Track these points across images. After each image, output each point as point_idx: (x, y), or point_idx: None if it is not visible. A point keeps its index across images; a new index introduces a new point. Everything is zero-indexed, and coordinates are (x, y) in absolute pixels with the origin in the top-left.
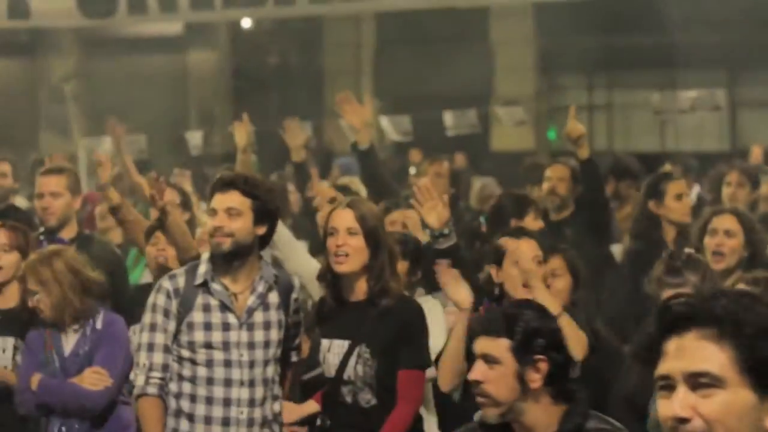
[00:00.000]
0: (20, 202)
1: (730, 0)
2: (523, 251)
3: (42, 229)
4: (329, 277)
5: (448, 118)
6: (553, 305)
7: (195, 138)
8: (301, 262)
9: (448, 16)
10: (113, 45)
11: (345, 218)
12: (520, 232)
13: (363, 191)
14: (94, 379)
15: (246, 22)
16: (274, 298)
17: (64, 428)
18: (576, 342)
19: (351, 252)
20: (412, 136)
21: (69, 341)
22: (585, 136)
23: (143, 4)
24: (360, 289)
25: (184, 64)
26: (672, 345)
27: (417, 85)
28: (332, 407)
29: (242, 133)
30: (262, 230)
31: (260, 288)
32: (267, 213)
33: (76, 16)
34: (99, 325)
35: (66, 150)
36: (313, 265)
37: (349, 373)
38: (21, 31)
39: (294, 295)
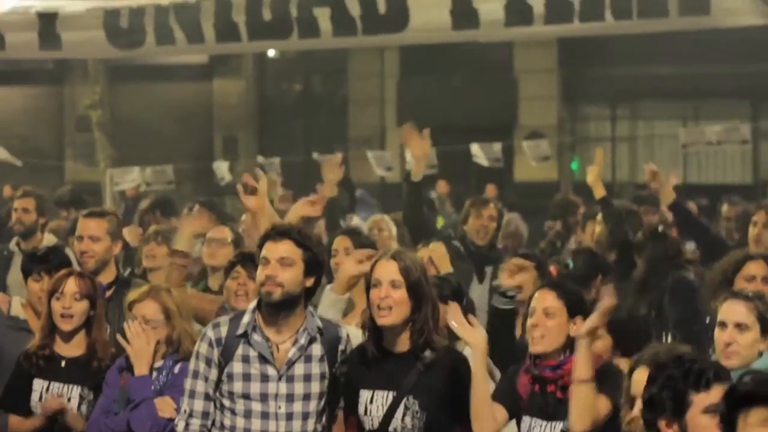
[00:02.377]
0: (49, 239)
1: (751, 32)
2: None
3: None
4: (372, 328)
5: (474, 148)
6: (585, 370)
7: (221, 168)
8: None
9: (472, 46)
10: (139, 73)
11: (389, 270)
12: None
13: (393, 229)
14: (161, 405)
15: (271, 51)
16: (317, 350)
17: None
18: (581, 412)
19: (394, 305)
20: (437, 169)
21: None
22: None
23: (171, 35)
24: (402, 341)
25: (210, 92)
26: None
27: (441, 114)
28: None
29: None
30: (310, 282)
31: (302, 340)
32: (316, 265)
33: (106, 47)
34: (176, 370)
35: (91, 178)
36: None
37: (395, 425)
38: (47, 59)
39: (341, 347)
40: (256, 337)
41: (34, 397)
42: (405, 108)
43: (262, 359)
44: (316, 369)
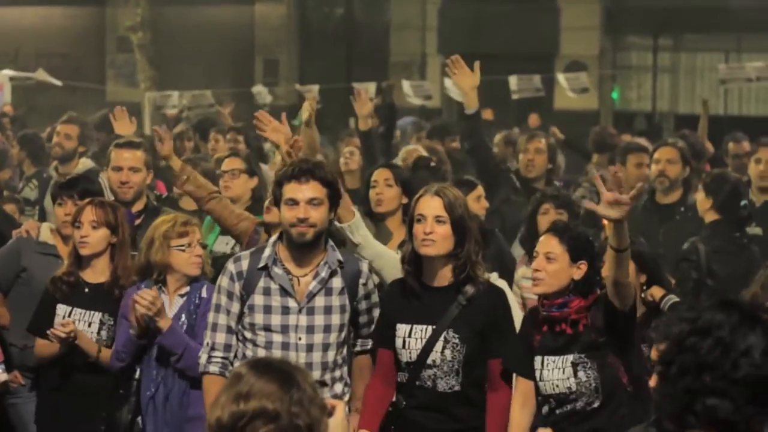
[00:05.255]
0: (84, 164)
1: None
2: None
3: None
4: (413, 262)
5: (513, 81)
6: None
7: (262, 93)
8: (378, 251)
9: None
10: None
11: (433, 206)
12: None
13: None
14: None
15: None
16: (337, 283)
17: (162, 387)
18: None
19: (438, 239)
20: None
21: (173, 305)
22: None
23: None
24: (443, 275)
25: (252, 15)
26: None
27: (482, 42)
28: (410, 390)
29: (307, 108)
30: (332, 216)
31: (323, 273)
32: (338, 198)
33: None
34: (204, 293)
35: (131, 99)
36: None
37: (433, 357)
38: None
39: (362, 281)
40: (276, 270)
41: (57, 321)
42: (446, 35)
43: (283, 291)
44: (336, 301)
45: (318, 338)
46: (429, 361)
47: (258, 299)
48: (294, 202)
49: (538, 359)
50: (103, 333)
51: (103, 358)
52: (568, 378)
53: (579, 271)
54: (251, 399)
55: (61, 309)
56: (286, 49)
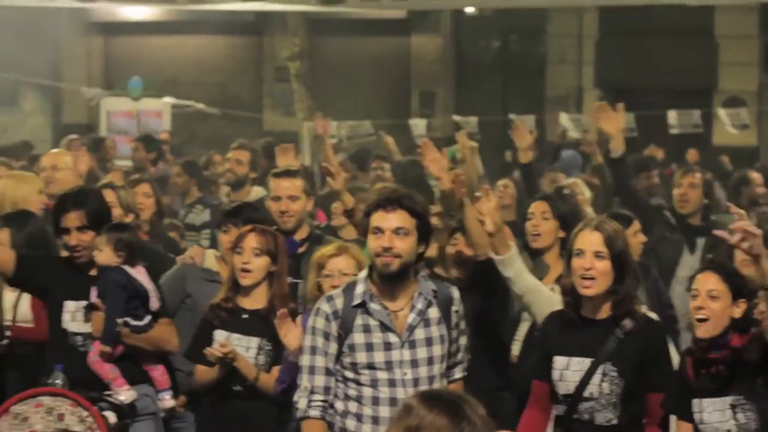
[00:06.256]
0: (258, 191)
1: None
2: None
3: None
4: (572, 295)
5: (672, 116)
6: None
7: (419, 125)
8: (529, 286)
9: (672, 8)
10: (338, 26)
11: (593, 241)
12: None
13: (587, 192)
14: None
15: (469, 8)
16: (434, 313)
17: None
18: None
19: (597, 275)
20: (636, 133)
21: None
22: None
23: None
24: (602, 309)
25: (408, 48)
26: None
27: (639, 77)
28: (567, 423)
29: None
30: (422, 248)
31: (419, 305)
32: (428, 231)
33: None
34: None
35: (289, 128)
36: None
37: (591, 390)
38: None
39: (454, 308)
40: (374, 306)
41: (215, 347)
42: (603, 70)
43: (384, 327)
44: (436, 332)
45: (423, 371)
46: (586, 393)
47: (358, 338)
48: (380, 231)
49: (696, 402)
50: (261, 358)
51: (261, 383)
52: (728, 420)
53: (739, 309)
54: None
55: (220, 335)
56: (443, 82)
